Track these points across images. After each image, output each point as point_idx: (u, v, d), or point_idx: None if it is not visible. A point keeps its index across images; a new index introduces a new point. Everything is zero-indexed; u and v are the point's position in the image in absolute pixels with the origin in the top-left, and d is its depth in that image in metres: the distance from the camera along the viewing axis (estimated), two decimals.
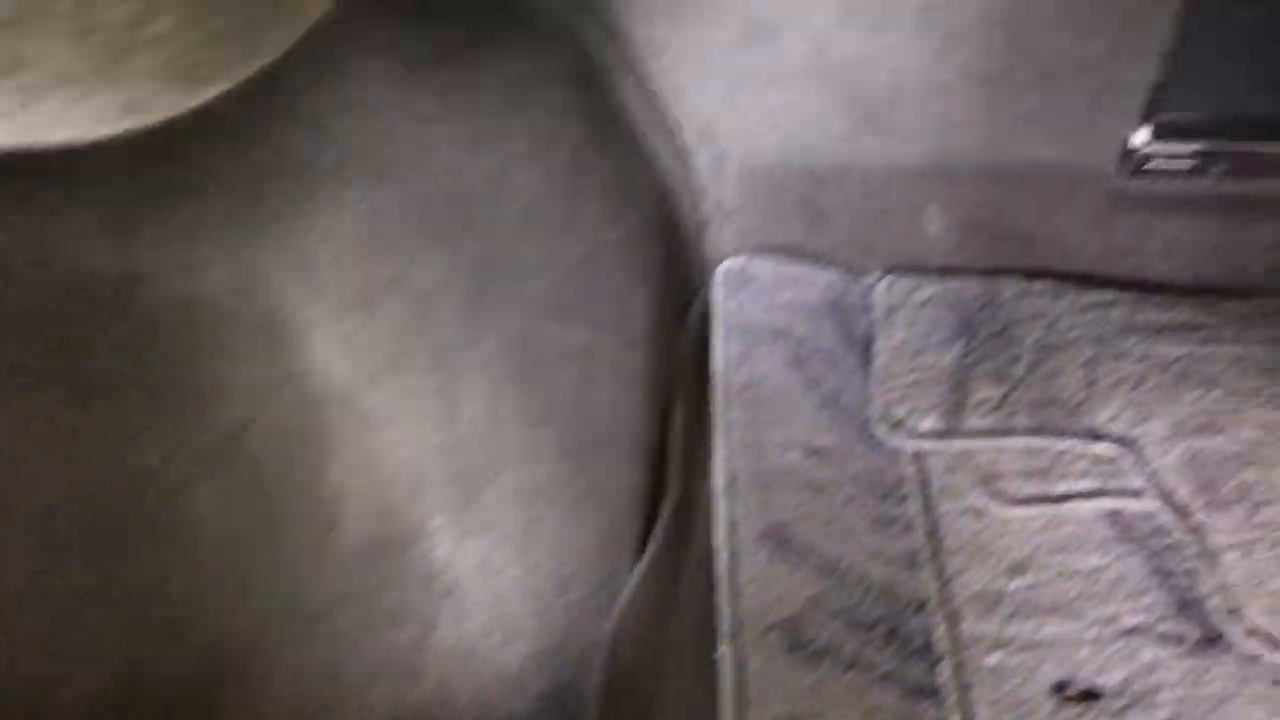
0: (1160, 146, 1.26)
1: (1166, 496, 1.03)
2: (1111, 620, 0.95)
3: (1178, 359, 1.16)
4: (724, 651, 0.89)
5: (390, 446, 0.87)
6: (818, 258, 1.32)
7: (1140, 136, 1.26)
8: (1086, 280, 1.29)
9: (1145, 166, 1.27)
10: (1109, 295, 1.27)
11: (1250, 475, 1.03)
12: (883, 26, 1.15)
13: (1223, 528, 0.99)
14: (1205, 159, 1.27)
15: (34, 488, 0.73)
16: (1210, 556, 0.97)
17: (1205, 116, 1.26)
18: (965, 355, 1.18)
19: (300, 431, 0.82)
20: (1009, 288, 1.27)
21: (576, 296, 1.05)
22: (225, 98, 0.78)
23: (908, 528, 1.04)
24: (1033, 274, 1.30)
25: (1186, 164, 1.27)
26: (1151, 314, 1.23)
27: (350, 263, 0.85)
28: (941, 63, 1.17)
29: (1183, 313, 1.23)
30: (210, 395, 0.78)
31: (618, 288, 1.11)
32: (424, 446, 0.90)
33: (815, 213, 1.31)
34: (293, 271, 0.82)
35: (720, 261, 1.30)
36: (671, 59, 1.20)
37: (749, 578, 0.95)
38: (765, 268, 1.30)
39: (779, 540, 1.00)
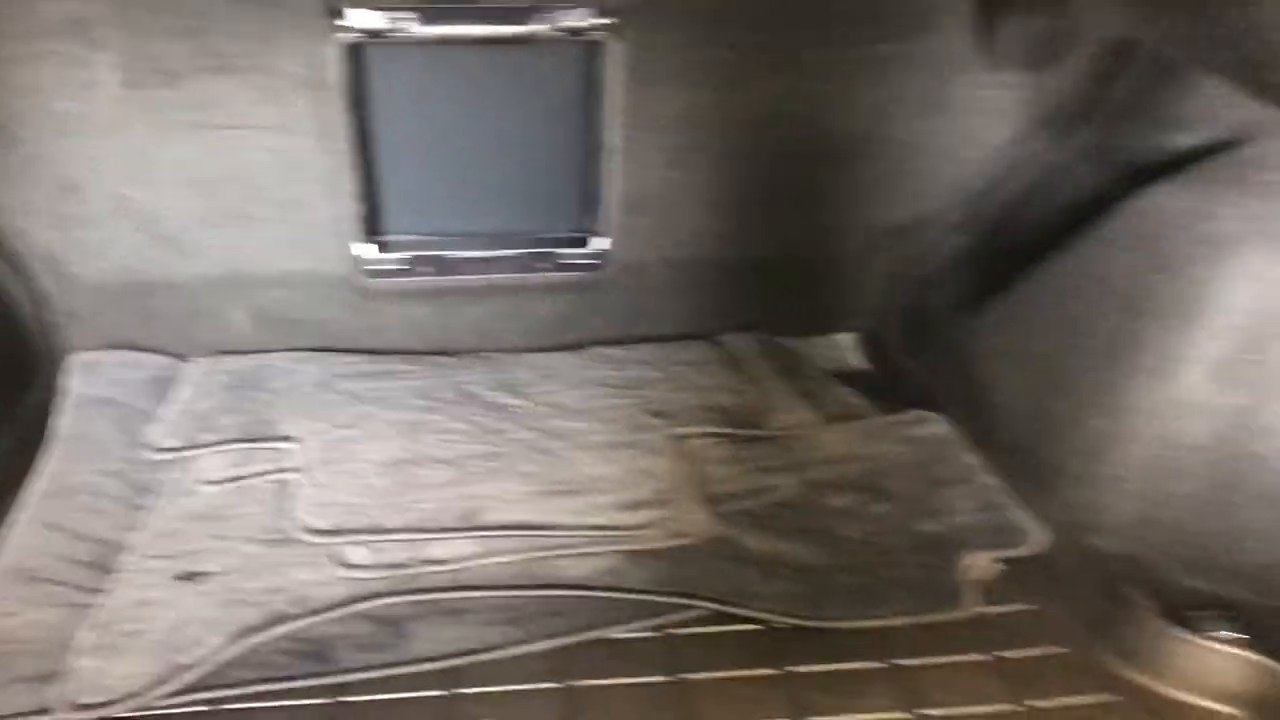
0: (381, 257, 1.84)
1: (306, 468, 1.53)
2: (244, 530, 1.43)
3: (359, 391, 1.70)
4: None
5: None
6: (152, 349, 1.82)
7: (365, 250, 1.83)
8: (342, 350, 1.84)
9: (372, 270, 1.84)
10: (350, 359, 1.81)
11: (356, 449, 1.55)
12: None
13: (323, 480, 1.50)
14: (414, 262, 1.85)
15: None
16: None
17: (412, 236, 1.86)
18: (218, 405, 1.69)
19: None
20: (277, 358, 1.80)
21: None
22: None
23: (140, 509, 1.49)
24: (301, 349, 1.83)
25: (402, 267, 1.85)
26: (367, 367, 1.78)
27: None
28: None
29: (390, 366, 1.78)
30: None
31: None
32: None
33: (147, 316, 1.82)
34: None
35: (74, 351, 1.78)
36: (10, 210, 1.71)
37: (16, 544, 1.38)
38: (111, 357, 1.79)
39: (53, 523, 1.44)
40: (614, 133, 1.76)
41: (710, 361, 1.86)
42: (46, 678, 1.20)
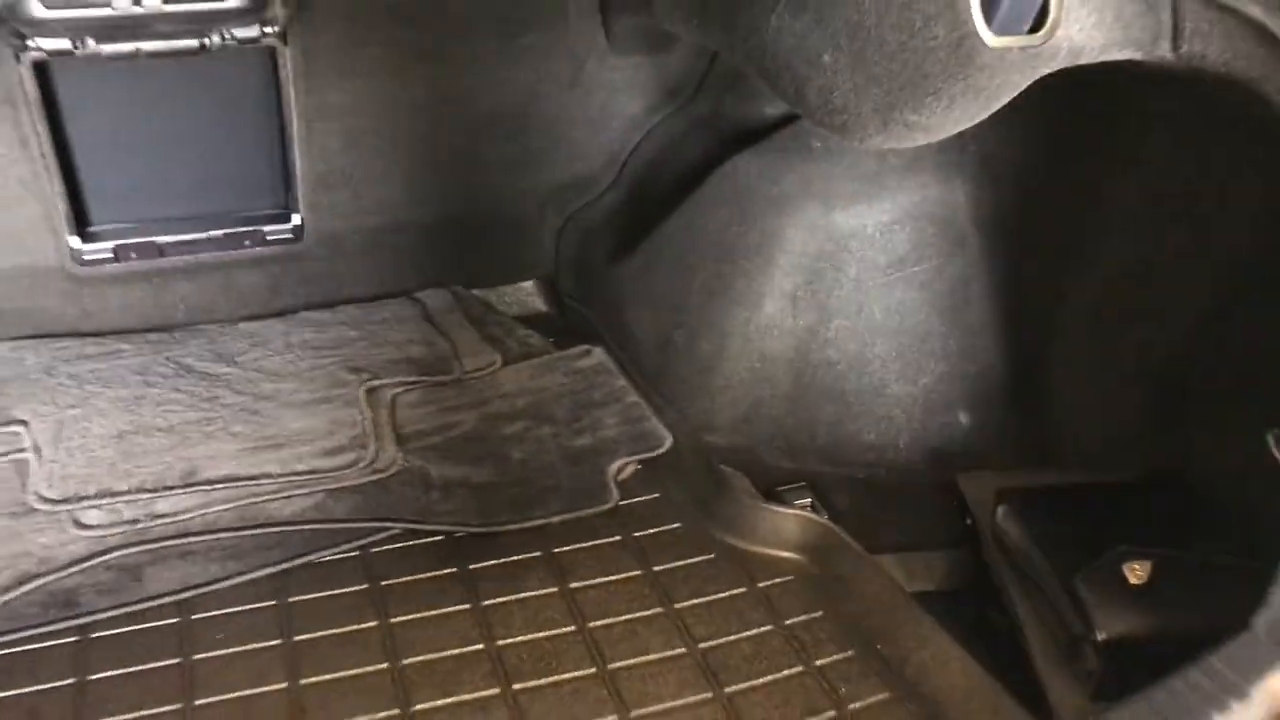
0: (91, 247, 2.01)
1: (37, 447, 1.72)
2: None
3: (81, 373, 1.89)
4: None
5: None
6: None
7: (75, 242, 1.99)
8: (61, 335, 2.01)
9: (84, 259, 2.01)
10: (70, 344, 1.99)
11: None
12: None
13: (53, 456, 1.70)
14: (124, 250, 2.03)
15: None
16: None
17: (120, 224, 2.03)
18: None
19: None
20: (1, 348, 1.95)
21: None
22: None
23: None
24: (21, 337, 1.99)
25: (110, 255, 2.03)
26: (88, 349, 1.96)
27: None
28: None
29: (109, 346, 1.97)
30: None
31: None
32: None
33: None
34: None
35: None
36: None
37: None
38: None
39: None
40: (297, 123, 1.99)
41: (406, 318, 2.15)
42: None
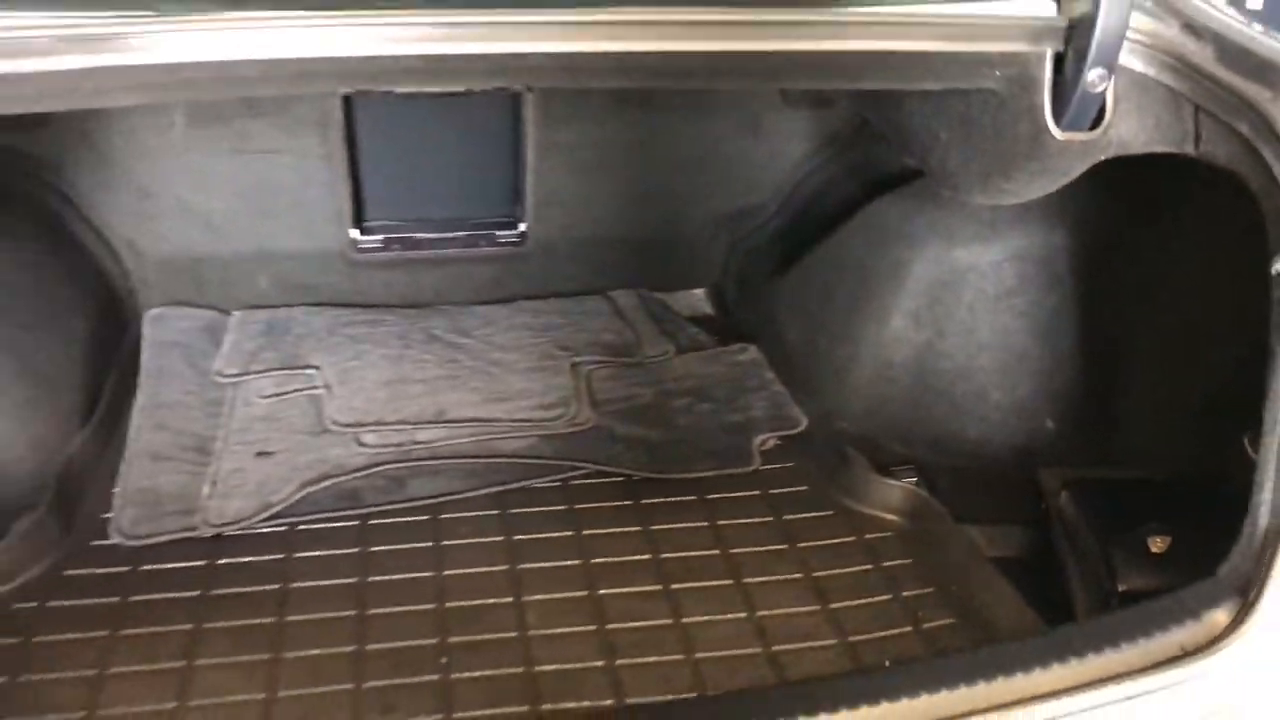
0: (366, 239, 2.61)
1: (327, 385, 2.31)
2: (293, 426, 2.20)
3: (357, 335, 2.47)
4: None
5: None
6: (203, 305, 2.57)
7: (354, 234, 2.59)
8: (341, 305, 2.61)
9: (360, 247, 2.61)
10: (347, 312, 2.58)
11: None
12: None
13: (340, 394, 2.28)
14: (389, 242, 2.62)
15: None
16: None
17: (385, 223, 2.62)
18: (259, 345, 2.45)
19: None
20: (296, 312, 2.56)
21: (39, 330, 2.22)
22: None
23: (216, 414, 2.26)
24: (311, 304, 2.60)
25: (380, 245, 2.62)
26: (360, 317, 2.55)
27: None
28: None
29: (377, 316, 2.56)
30: None
31: (62, 324, 2.29)
32: None
33: (198, 282, 2.56)
34: None
35: (147, 309, 2.53)
36: (103, 209, 2.44)
37: (138, 439, 2.14)
38: (174, 312, 2.54)
39: (159, 424, 2.20)
40: (530, 153, 2.53)
41: (602, 311, 2.67)
42: (188, 513, 1.97)
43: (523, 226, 2.64)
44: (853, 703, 1.25)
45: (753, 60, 1.52)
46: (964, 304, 2.22)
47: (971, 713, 1.26)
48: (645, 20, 1.44)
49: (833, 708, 1.24)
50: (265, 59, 1.41)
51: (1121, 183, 1.83)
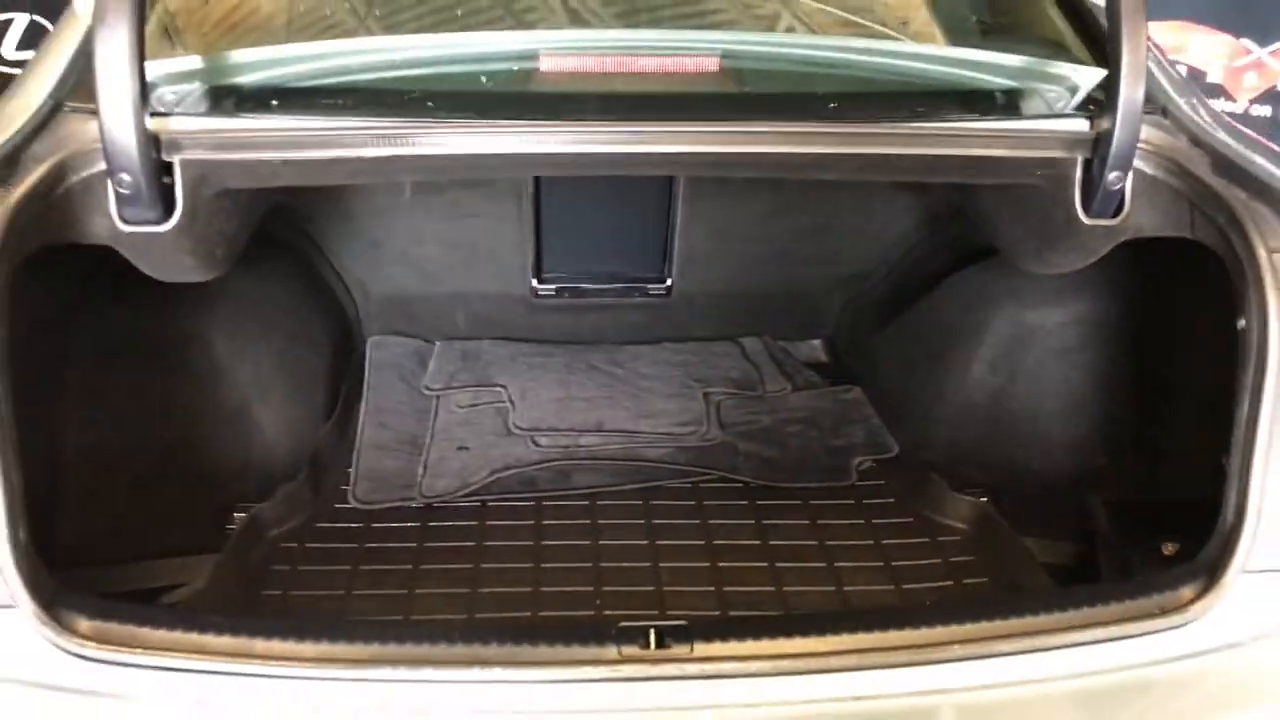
0: (544, 287, 3.22)
1: (512, 400, 2.91)
2: (485, 429, 2.81)
3: (533, 363, 3.08)
4: None
5: None
6: (413, 335, 3.22)
7: (534, 282, 3.21)
8: (521, 340, 3.22)
9: (539, 294, 3.22)
10: (527, 345, 3.19)
11: None
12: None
13: (522, 407, 2.88)
14: (561, 290, 3.23)
15: None
16: None
17: (559, 275, 3.23)
18: (457, 367, 3.08)
19: None
20: (485, 343, 3.19)
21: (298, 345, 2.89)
22: None
23: (425, 418, 2.88)
24: (498, 338, 3.22)
25: (554, 292, 3.23)
26: (536, 349, 3.16)
27: None
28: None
29: (549, 349, 3.17)
30: None
31: (314, 341, 2.95)
32: None
33: (410, 316, 3.21)
34: None
35: (370, 337, 3.19)
36: (345, 256, 3.12)
37: (366, 435, 2.78)
38: (390, 339, 3.20)
39: (381, 424, 2.84)
40: (679, 221, 3.11)
41: (731, 353, 3.21)
42: (407, 487, 2.58)
43: (669, 281, 3.20)
44: (899, 625, 1.73)
45: (851, 160, 2.05)
46: (1032, 357, 2.68)
47: (993, 637, 1.73)
48: (773, 131, 1.99)
49: (884, 628, 1.73)
50: (496, 153, 2.00)
51: (1161, 261, 2.29)
